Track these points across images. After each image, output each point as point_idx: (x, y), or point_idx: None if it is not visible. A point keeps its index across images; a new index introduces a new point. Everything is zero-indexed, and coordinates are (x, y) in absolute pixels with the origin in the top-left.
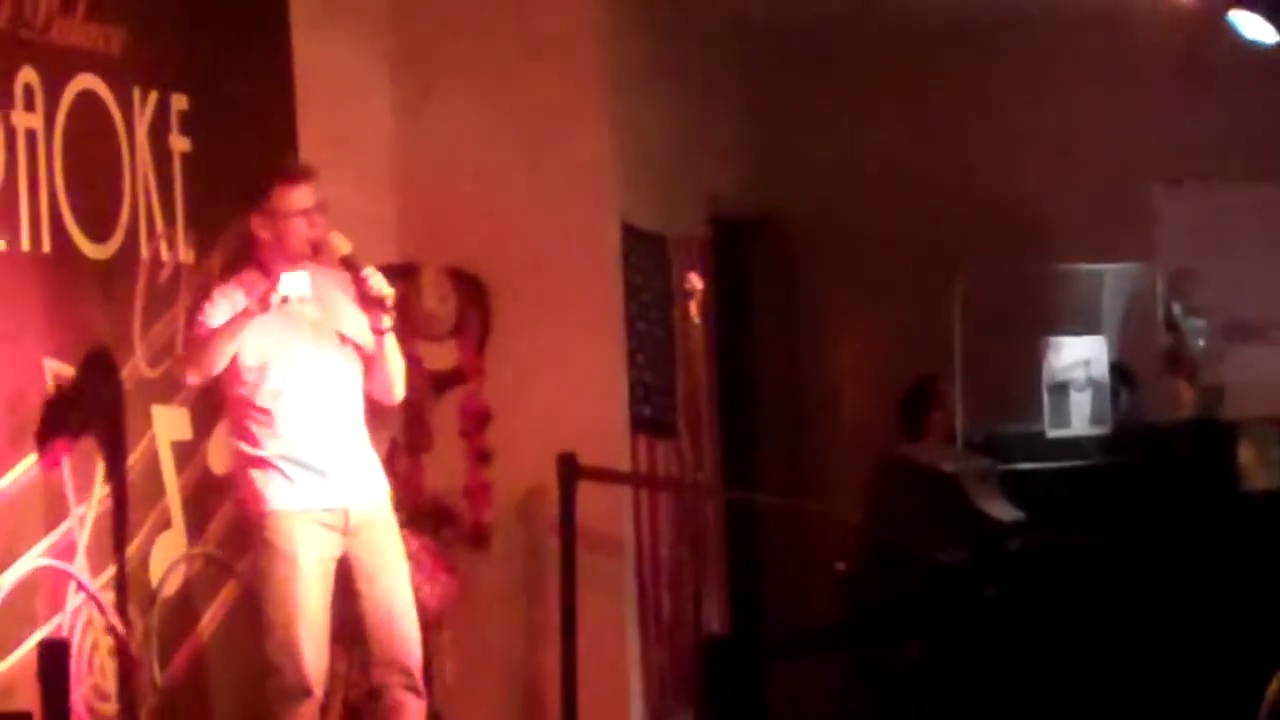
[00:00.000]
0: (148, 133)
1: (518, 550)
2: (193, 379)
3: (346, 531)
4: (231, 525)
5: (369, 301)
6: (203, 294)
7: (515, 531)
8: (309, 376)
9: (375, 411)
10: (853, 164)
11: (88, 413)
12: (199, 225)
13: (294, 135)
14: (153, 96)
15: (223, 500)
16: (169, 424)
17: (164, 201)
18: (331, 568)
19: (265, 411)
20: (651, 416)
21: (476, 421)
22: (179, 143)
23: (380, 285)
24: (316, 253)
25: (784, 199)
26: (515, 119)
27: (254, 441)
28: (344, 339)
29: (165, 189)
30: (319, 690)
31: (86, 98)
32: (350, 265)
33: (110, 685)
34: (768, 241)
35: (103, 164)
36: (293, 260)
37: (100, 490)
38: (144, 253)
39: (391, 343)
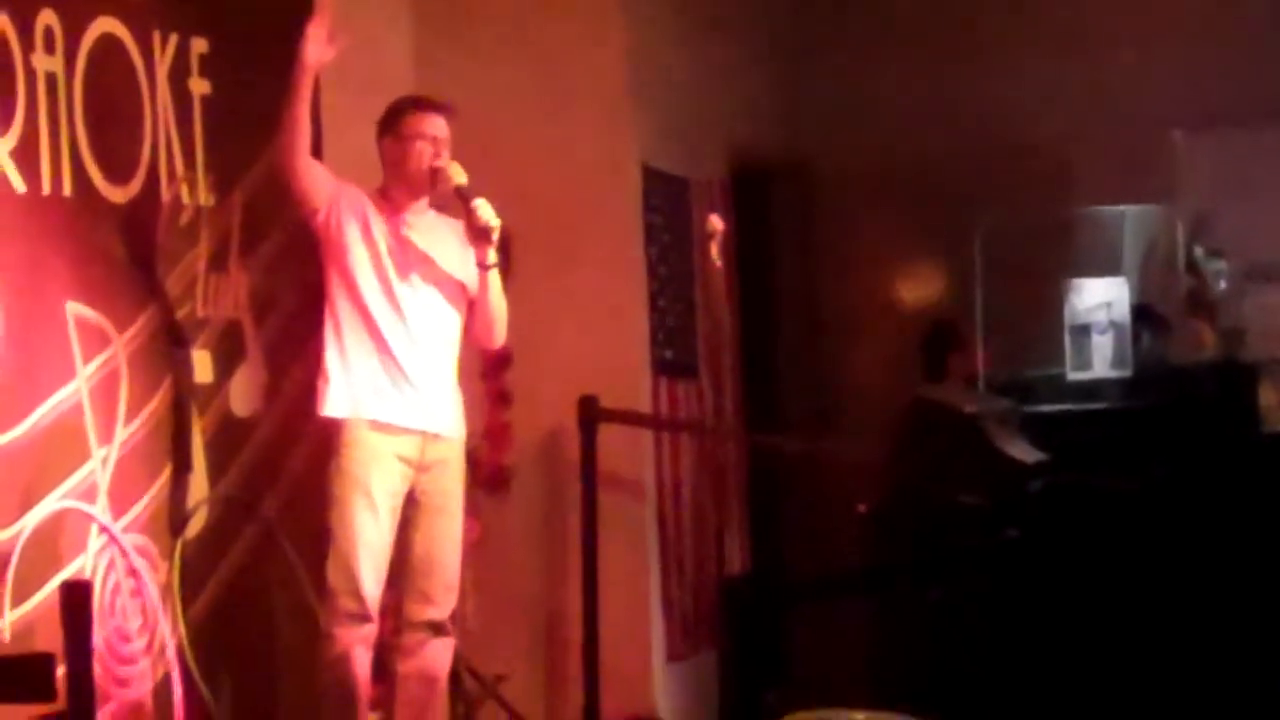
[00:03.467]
0: (168, 76)
1: (538, 493)
2: (285, 159)
3: (420, 467)
4: (254, 468)
5: (477, 232)
6: (223, 236)
7: (536, 474)
8: (416, 302)
9: None
10: (874, 107)
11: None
12: (219, 168)
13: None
14: (173, 39)
15: (244, 443)
16: (192, 366)
17: (184, 144)
18: (400, 502)
19: (362, 324)
20: (672, 358)
21: (497, 363)
22: (199, 86)
23: (489, 215)
24: (435, 183)
25: (805, 142)
26: (536, 62)
27: (348, 348)
28: (451, 278)
29: (185, 132)
30: (376, 618)
31: (107, 40)
32: (463, 195)
33: (132, 627)
34: (789, 184)
35: (123, 107)
36: (412, 183)
37: (122, 433)
38: (164, 195)
39: (495, 281)
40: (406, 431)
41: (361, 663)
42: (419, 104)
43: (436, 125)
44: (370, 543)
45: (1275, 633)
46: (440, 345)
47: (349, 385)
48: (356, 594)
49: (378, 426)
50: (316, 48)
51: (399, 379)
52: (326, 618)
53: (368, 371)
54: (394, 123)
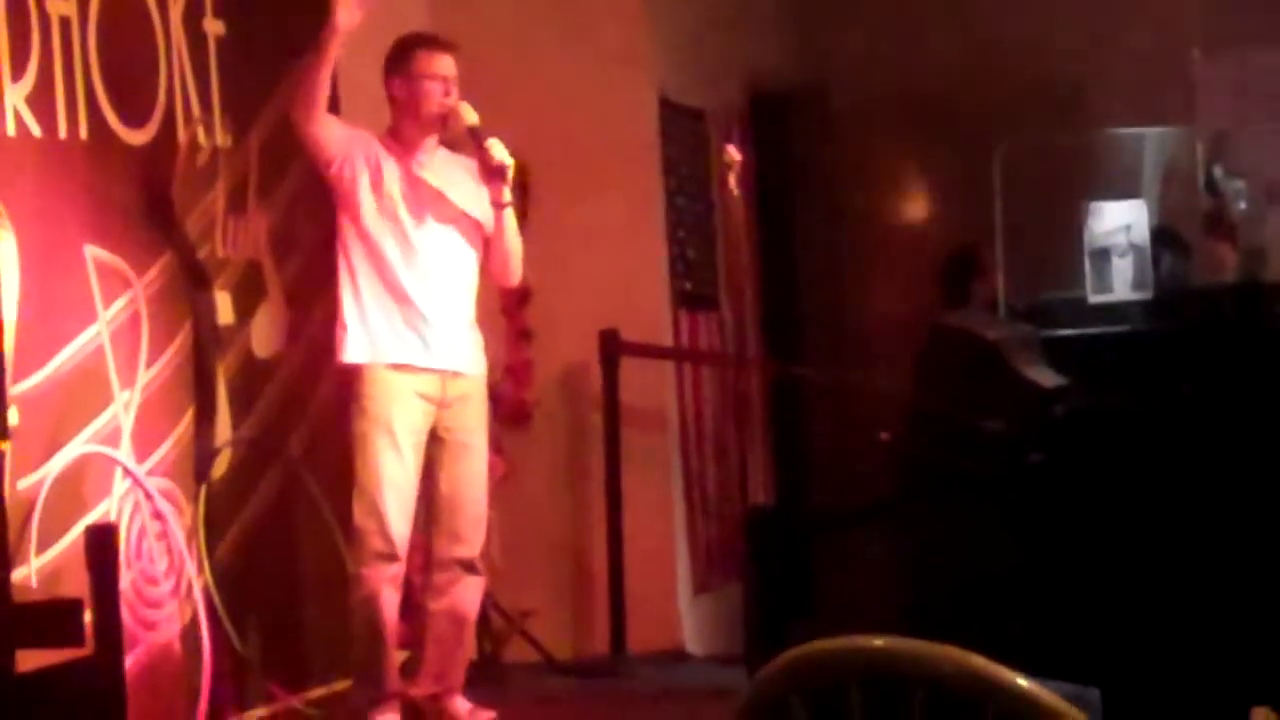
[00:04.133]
0: (182, 17)
1: (561, 428)
2: (304, 121)
3: (442, 404)
4: (277, 409)
5: (490, 172)
6: (241, 177)
7: (558, 409)
8: (431, 241)
9: None
10: (890, 33)
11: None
12: (235, 109)
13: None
14: None
15: (266, 384)
16: (212, 309)
17: (200, 86)
18: (424, 439)
19: (377, 268)
20: (693, 291)
21: (517, 299)
22: (213, 26)
23: (502, 154)
24: (446, 122)
25: (822, 70)
26: None
27: (364, 295)
28: (466, 216)
29: (200, 73)
30: (403, 557)
31: None
32: (475, 135)
33: (158, 570)
34: (806, 113)
35: (137, 49)
36: (423, 123)
37: (144, 376)
38: (181, 137)
39: (510, 219)
40: (426, 370)
41: (390, 602)
42: (427, 42)
43: (446, 64)
44: (396, 481)
45: None
46: (457, 284)
47: (366, 330)
48: (384, 533)
49: (397, 367)
50: (347, 12)
51: (416, 319)
52: (354, 558)
53: (384, 315)
54: (403, 62)
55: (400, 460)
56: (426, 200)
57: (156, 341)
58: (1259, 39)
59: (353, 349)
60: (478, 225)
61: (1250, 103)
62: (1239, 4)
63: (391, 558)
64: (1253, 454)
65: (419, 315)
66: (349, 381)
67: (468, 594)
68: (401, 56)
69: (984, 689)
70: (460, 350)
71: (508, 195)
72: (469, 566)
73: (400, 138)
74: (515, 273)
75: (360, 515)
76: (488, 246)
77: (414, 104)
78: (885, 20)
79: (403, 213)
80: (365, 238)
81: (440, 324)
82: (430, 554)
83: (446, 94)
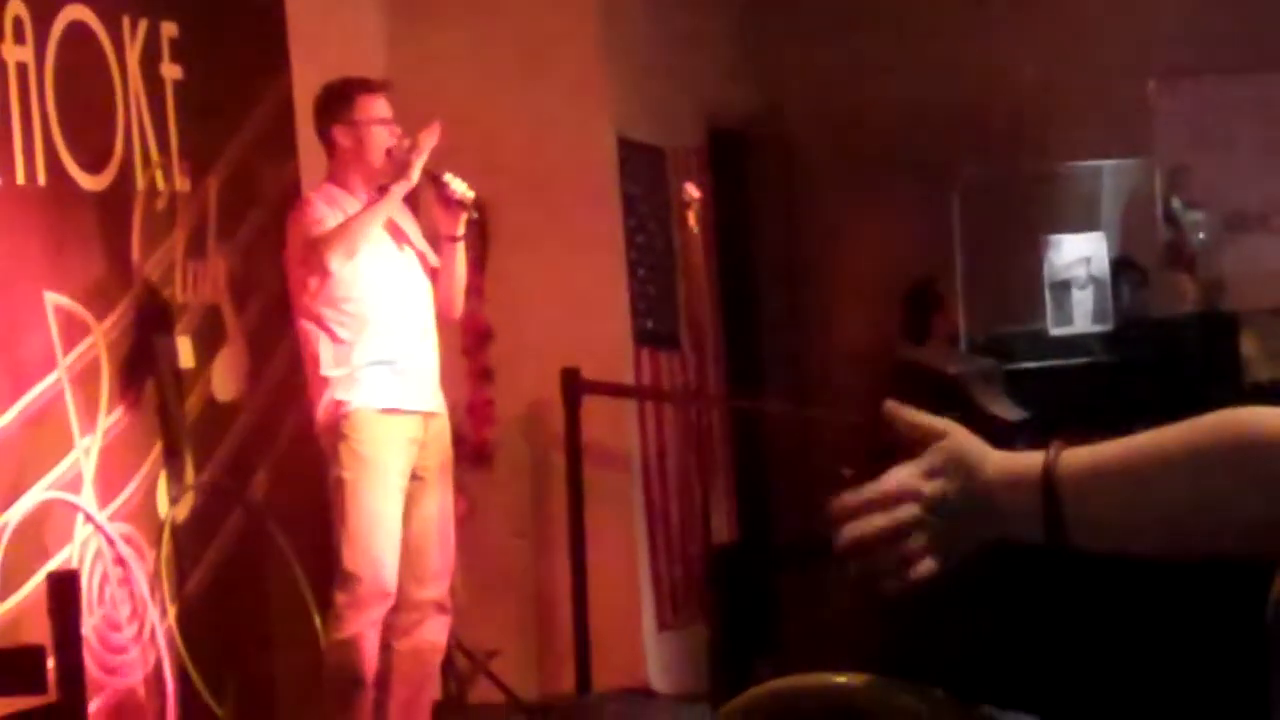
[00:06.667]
0: (139, 61)
1: (523, 467)
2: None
3: (422, 445)
4: (238, 452)
5: (451, 205)
6: (204, 220)
7: (520, 449)
8: (395, 283)
9: None
10: (848, 69)
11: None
12: (193, 153)
13: (287, 62)
14: (143, 25)
15: (228, 427)
16: (174, 353)
17: (157, 130)
18: (407, 481)
19: (354, 315)
20: (654, 329)
21: (477, 338)
22: (170, 71)
23: (462, 188)
24: (396, 167)
25: (780, 106)
26: (508, 35)
27: (341, 345)
28: (422, 255)
29: (158, 118)
30: (393, 599)
31: (76, 28)
32: (429, 172)
33: (121, 615)
34: (765, 150)
35: (95, 95)
36: (372, 168)
37: (104, 421)
38: (140, 182)
39: (460, 253)
40: (412, 413)
41: (371, 644)
42: (367, 86)
43: (385, 107)
44: (388, 525)
45: (1260, 587)
46: (426, 324)
47: (353, 374)
48: (378, 577)
49: (388, 411)
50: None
51: (399, 361)
52: (343, 601)
53: (369, 358)
54: (342, 108)
55: (392, 503)
56: (395, 242)
57: (117, 387)
58: (1214, 70)
59: (343, 393)
60: (424, 258)
61: (1207, 134)
62: (1195, 37)
63: (382, 599)
64: None
65: (400, 357)
66: (332, 426)
67: (435, 633)
68: (340, 102)
69: None
70: (434, 390)
71: (462, 229)
72: (437, 606)
73: (347, 184)
74: (459, 307)
75: (351, 559)
76: (434, 278)
77: (360, 151)
78: (843, 56)
79: (378, 257)
80: (342, 284)
81: (418, 365)
82: (399, 594)
83: (391, 134)
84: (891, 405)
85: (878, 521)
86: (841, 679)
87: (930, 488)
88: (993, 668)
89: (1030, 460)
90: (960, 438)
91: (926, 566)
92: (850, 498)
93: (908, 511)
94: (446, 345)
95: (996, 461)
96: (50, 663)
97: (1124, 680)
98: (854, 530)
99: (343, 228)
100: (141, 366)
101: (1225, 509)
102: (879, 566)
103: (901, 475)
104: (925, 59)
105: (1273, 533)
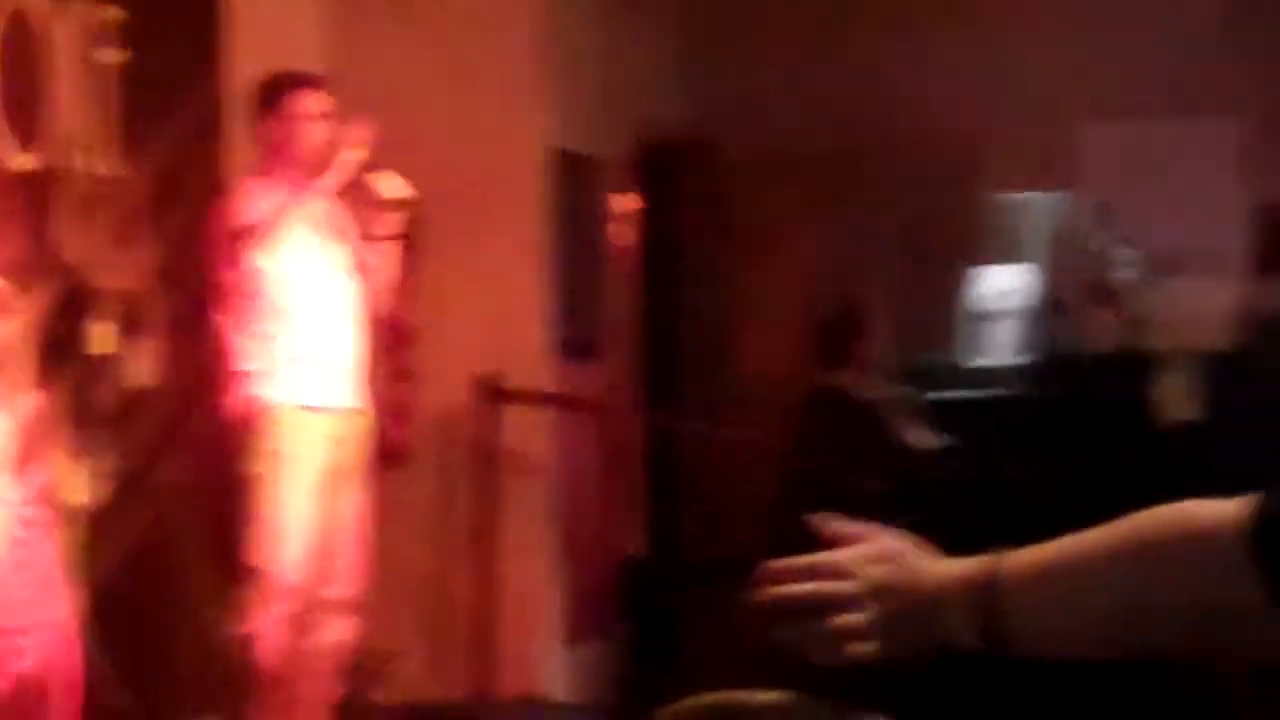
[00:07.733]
0: (76, 44)
1: (434, 469)
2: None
3: (340, 442)
4: (154, 440)
5: (384, 204)
6: (132, 207)
7: (434, 453)
8: (318, 278)
9: None
10: (783, 89)
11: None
12: (129, 138)
13: (224, 53)
14: (81, 8)
15: (146, 414)
16: (93, 338)
17: (93, 114)
18: (323, 478)
19: (275, 309)
20: (576, 338)
21: (399, 340)
22: (108, 55)
23: (393, 188)
24: (330, 165)
25: (714, 124)
26: (442, 41)
27: (261, 339)
28: (345, 251)
29: (94, 102)
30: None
31: (13, 10)
32: (357, 171)
33: (29, 600)
34: (698, 165)
35: (30, 76)
36: (304, 165)
37: (20, 404)
38: (70, 165)
39: (390, 251)
40: (332, 410)
41: (276, 640)
42: (301, 80)
43: (319, 101)
44: (300, 523)
45: None
46: (349, 319)
47: (275, 370)
48: (285, 573)
49: (309, 409)
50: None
51: (323, 358)
52: (248, 595)
53: (293, 354)
54: (276, 103)
55: (305, 501)
56: (321, 238)
57: (34, 369)
58: (1142, 110)
59: (263, 388)
60: (355, 258)
61: (1134, 173)
62: (1122, 75)
63: (288, 595)
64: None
65: (322, 353)
66: (249, 419)
67: (340, 633)
68: (273, 96)
69: None
70: (354, 387)
71: (390, 229)
72: (344, 606)
73: (277, 178)
74: (382, 306)
75: (259, 554)
76: (362, 274)
77: (292, 146)
78: (780, 76)
79: (305, 253)
80: (264, 277)
81: (339, 362)
82: (306, 592)
83: (325, 133)
84: (818, 520)
85: (813, 588)
86: (761, 698)
87: (875, 570)
88: (898, 689)
89: (970, 568)
90: (898, 537)
91: (868, 648)
92: (788, 561)
93: (849, 586)
94: (370, 344)
95: (936, 565)
96: None
97: (1059, 695)
98: (785, 590)
99: (262, 221)
100: (60, 350)
101: (1168, 607)
102: (808, 634)
103: (843, 554)
104: (860, 86)
105: (1219, 629)
